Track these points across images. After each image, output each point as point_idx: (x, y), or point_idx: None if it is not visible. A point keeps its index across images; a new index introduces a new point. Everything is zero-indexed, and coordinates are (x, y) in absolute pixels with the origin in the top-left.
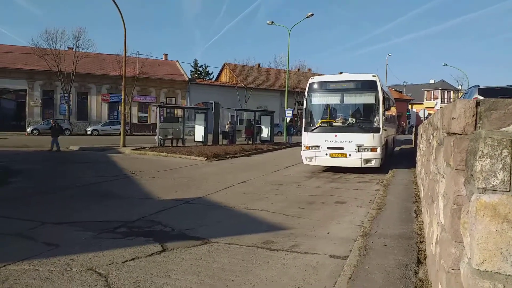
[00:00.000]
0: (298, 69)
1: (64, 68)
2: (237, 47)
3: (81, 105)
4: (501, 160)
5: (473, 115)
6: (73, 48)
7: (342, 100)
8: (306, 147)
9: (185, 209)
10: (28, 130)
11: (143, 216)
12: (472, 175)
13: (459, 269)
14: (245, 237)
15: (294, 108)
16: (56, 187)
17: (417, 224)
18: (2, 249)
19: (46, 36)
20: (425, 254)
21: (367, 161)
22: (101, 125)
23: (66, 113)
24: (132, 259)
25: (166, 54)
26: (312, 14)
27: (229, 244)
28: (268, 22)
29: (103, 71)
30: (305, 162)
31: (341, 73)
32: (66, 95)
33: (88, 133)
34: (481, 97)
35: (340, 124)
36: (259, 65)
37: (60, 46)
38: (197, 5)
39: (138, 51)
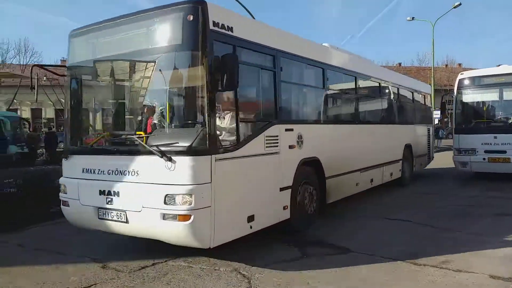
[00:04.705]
0: (446, 65)
1: None
2: (379, 46)
3: None
4: None
5: None
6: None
7: (501, 96)
8: (458, 151)
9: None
10: None
11: None
12: None
13: None
14: (386, 248)
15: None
16: None
17: None
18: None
19: None
20: None
21: None
22: None
23: None
24: (274, 263)
25: None
26: (460, 4)
27: (369, 255)
28: (408, 18)
29: None
30: (458, 168)
31: (499, 65)
32: None
33: None
34: None
35: (501, 124)
36: (400, 64)
37: None
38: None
39: None
